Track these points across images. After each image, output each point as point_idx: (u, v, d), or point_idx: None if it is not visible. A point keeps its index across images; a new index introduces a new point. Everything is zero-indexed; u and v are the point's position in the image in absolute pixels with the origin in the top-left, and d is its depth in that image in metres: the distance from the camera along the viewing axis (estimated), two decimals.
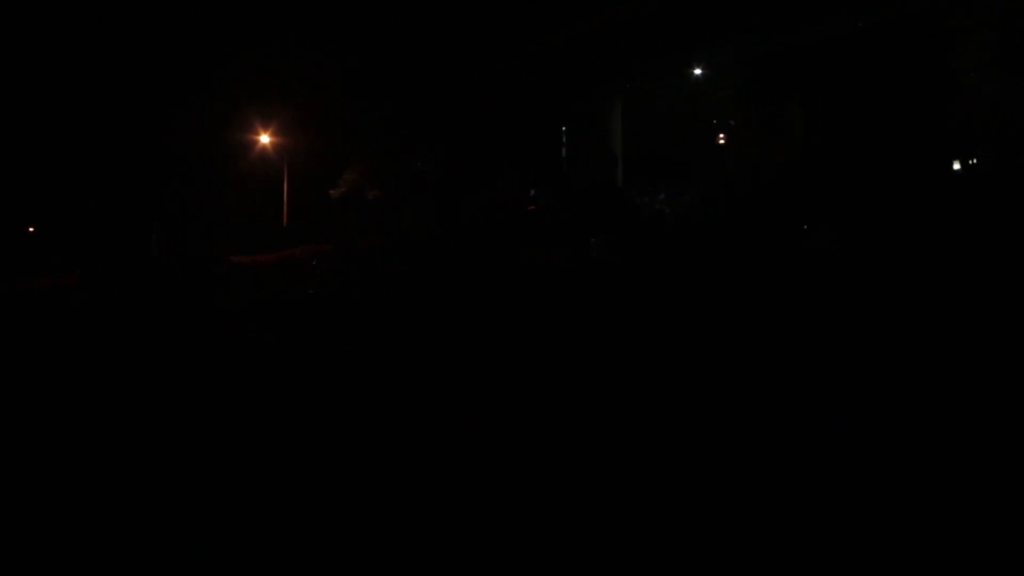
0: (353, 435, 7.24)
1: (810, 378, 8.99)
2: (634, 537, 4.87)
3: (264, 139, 36.18)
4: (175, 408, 8.40)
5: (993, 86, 27.66)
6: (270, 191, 36.44)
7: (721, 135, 36.36)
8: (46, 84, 31.52)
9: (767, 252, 23.16)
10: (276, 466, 6.30)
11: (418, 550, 4.80)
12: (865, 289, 16.34)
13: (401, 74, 34.55)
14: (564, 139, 37.64)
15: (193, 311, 17.73)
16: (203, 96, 31.72)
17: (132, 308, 17.75)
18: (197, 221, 30.37)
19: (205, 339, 13.60)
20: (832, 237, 24.71)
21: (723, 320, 13.37)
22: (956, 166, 29.82)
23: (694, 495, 5.51)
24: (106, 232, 28.67)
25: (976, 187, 27.80)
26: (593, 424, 7.40)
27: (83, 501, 5.66)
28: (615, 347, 11.34)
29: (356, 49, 34.34)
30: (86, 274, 18.95)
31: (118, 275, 20.60)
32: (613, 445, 6.73)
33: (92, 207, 29.40)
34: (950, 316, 12.59)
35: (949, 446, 6.45)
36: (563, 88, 35.53)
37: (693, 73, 35.79)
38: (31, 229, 32.76)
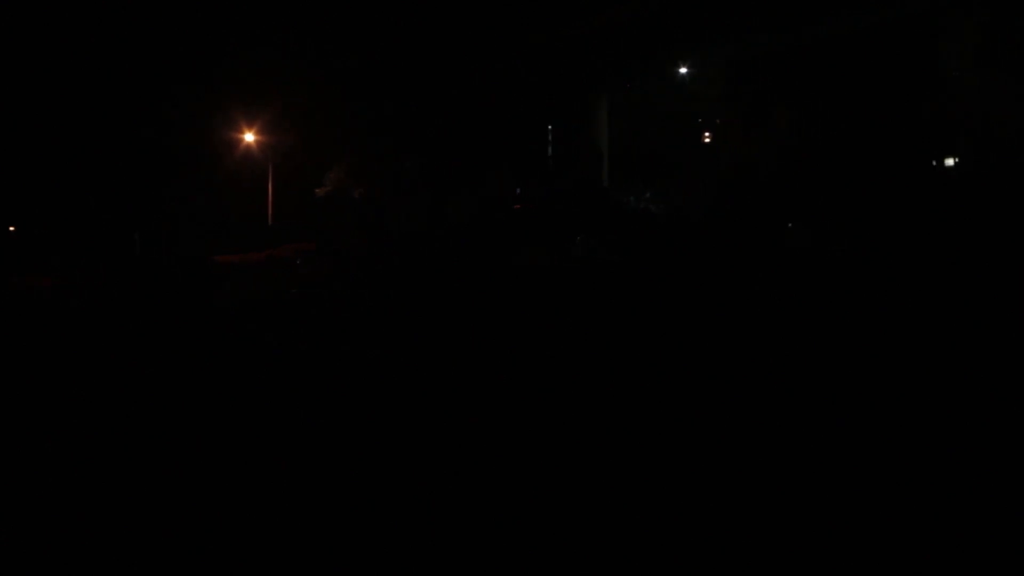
0: (336, 433, 7.23)
1: (798, 378, 9.04)
2: (618, 536, 4.89)
3: (249, 138, 35.94)
4: (156, 407, 8.36)
5: (976, 86, 27.87)
6: (256, 190, 36.21)
7: (707, 134, 36.46)
8: (36, 85, 31.27)
9: (753, 252, 23.25)
10: (268, 463, 6.30)
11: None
12: (846, 289, 16.43)
13: (388, 73, 34.43)
14: (551, 138, 37.61)
15: (178, 310, 17.63)
16: (190, 96, 31.49)
17: (118, 308, 17.67)
18: (182, 221, 30.16)
19: (189, 338, 13.53)
20: (816, 237, 24.86)
21: (709, 321, 13.41)
22: (942, 164, 30.02)
23: (681, 492, 5.53)
24: (94, 232, 28.48)
25: (960, 186, 28.02)
26: (583, 420, 7.41)
27: (79, 499, 5.64)
28: (598, 348, 11.36)
29: (343, 48, 34.20)
30: (80, 274, 18.86)
31: (104, 275, 20.50)
32: (603, 443, 6.75)
33: (90, 207, 29.08)
34: (935, 316, 12.68)
35: (932, 442, 6.51)
36: (550, 87, 35.52)
37: (680, 73, 35.87)
38: (23, 228, 32.37)
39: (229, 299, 19.37)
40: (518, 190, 33.27)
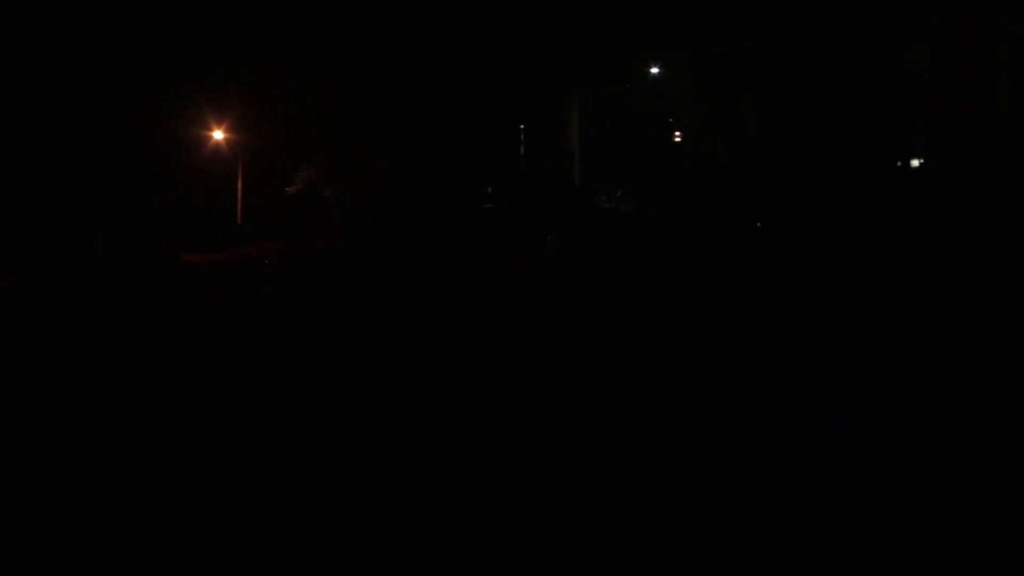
0: (304, 434, 7.14)
1: (768, 375, 9.08)
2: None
3: (218, 135, 35.51)
4: (118, 409, 8.20)
5: (940, 88, 28.31)
6: (225, 188, 35.77)
7: (678, 133, 36.68)
8: None
9: (721, 251, 23.43)
10: (237, 464, 6.19)
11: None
12: (813, 288, 16.60)
13: (360, 72, 34.18)
14: (523, 137, 37.61)
15: (141, 310, 17.33)
16: (156, 92, 30.97)
17: (78, 307, 17.33)
18: (148, 219, 29.65)
19: (151, 338, 13.30)
20: (783, 236, 25.11)
21: (678, 320, 13.46)
22: (908, 165, 30.44)
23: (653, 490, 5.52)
24: (54, 230, 27.86)
25: (926, 186, 28.44)
26: (556, 419, 7.39)
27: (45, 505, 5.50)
28: (567, 347, 11.34)
29: (314, 47, 33.89)
30: (39, 273, 18.45)
31: (64, 274, 20.10)
32: (574, 442, 6.72)
33: (50, 204, 28.36)
34: (903, 313, 12.83)
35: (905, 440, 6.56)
36: (522, 87, 35.52)
37: (651, 73, 36.05)
38: None
39: (194, 298, 19.09)
40: (489, 189, 33.23)
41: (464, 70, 34.09)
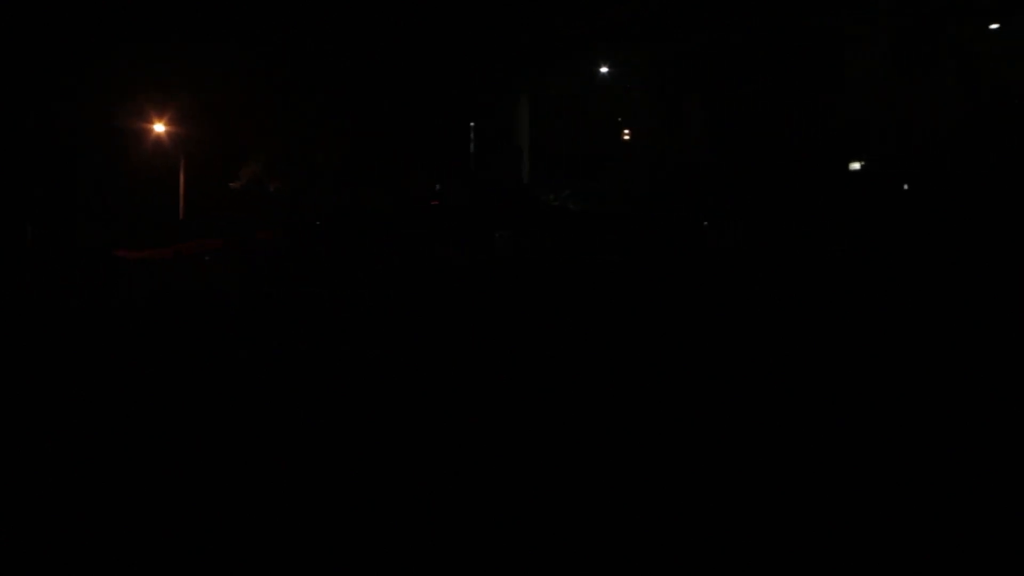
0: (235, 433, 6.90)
1: (706, 371, 9.07)
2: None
3: (159, 128, 34.57)
4: (42, 410, 7.85)
5: (885, 90, 28.93)
6: (167, 183, 34.85)
7: (626, 132, 36.88)
8: None
9: (668, 250, 23.58)
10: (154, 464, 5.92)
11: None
12: (755, 287, 16.77)
13: (306, 67, 33.60)
14: (472, 135, 37.42)
15: (72, 307, 16.73)
16: (90, 83, 29.97)
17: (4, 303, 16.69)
18: (83, 213, 28.71)
19: (81, 336, 12.83)
20: (731, 235, 25.38)
21: (622, 318, 13.44)
22: (849, 165, 31.06)
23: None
24: None
25: (868, 186, 29.05)
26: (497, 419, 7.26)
27: None
28: (507, 349, 11.21)
29: (259, 39, 33.19)
30: None
31: None
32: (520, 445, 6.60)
33: None
34: (840, 310, 12.98)
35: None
36: (472, 86, 35.34)
37: (600, 72, 36.16)
38: None
39: (130, 296, 18.53)
40: (437, 187, 32.98)
41: (413, 67, 33.78)
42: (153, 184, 34.23)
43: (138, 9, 32.22)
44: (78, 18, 30.25)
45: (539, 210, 29.33)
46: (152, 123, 34.35)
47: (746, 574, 4.43)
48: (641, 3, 31.15)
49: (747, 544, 4.73)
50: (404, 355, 10.56)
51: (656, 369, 9.37)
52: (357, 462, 6.22)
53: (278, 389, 8.74)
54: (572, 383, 8.70)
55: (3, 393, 8.77)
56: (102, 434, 7.14)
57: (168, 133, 34.81)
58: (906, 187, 28.35)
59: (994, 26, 28.10)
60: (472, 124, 36.99)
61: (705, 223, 27.98)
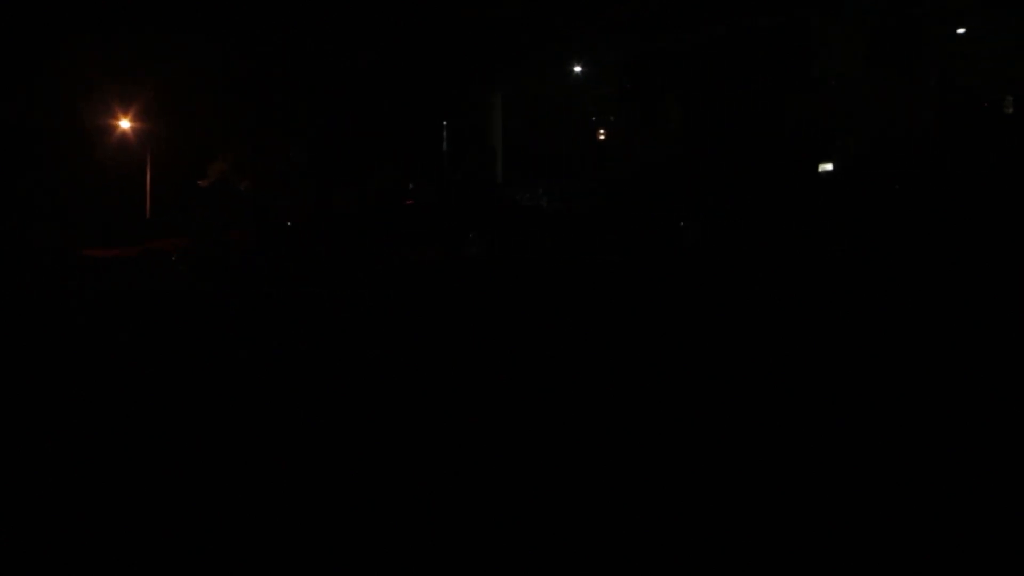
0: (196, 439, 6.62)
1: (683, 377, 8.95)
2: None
3: (125, 124, 33.84)
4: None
5: (857, 91, 29.18)
6: (133, 181, 34.15)
7: (602, 131, 36.85)
8: None
9: (645, 249, 23.56)
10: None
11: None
12: (731, 285, 16.76)
13: (278, 62, 33.12)
14: (445, 133, 37.17)
15: (32, 308, 16.25)
16: (49, 76, 29.20)
17: None
18: (45, 211, 28.01)
19: (42, 336, 12.42)
20: (705, 235, 25.42)
21: (594, 319, 13.31)
22: (819, 166, 31.29)
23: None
24: None
25: (839, 185, 29.28)
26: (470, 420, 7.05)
27: None
28: (475, 349, 11.02)
29: (228, 34, 32.64)
30: None
31: None
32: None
33: None
34: (815, 314, 12.96)
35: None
36: (445, 84, 35.10)
37: (575, 71, 36.09)
38: None
39: (94, 295, 18.08)
40: (410, 185, 32.68)
41: (386, 66, 33.46)
42: (119, 182, 33.56)
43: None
44: (40, 9, 29.47)
45: (513, 209, 29.15)
46: (118, 119, 33.65)
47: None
48: (619, 4, 31.18)
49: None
50: (381, 355, 10.33)
51: (640, 368, 9.24)
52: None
53: (250, 389, 8.48)
54: (552, 383, 8.52)
55: None
56: (75, 434, 6.90)
57: (134, 129, 34.12)
58: (878, 188, 28.61)
59: (961, 30, 28.43)
60: (445, 123, 36.74)
61: (681, 223, 28.01)
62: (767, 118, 30.29)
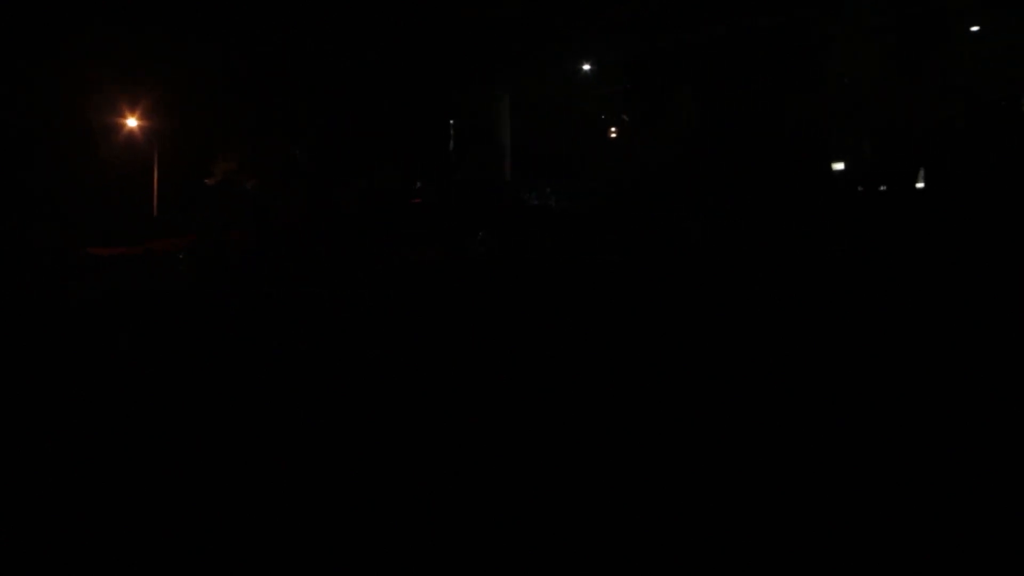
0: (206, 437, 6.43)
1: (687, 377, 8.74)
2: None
3: (132, 123, 33.81)
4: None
5: (870, 91, 28.89)
6: (139, 179, 34.12)
7: (613, 130, 36.64)
8: None
9: (653, 249, 23.38)
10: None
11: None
12: (738, 286, 16.55)
13: (275, 60, 33.04)
14: (452, 132, 37.02)
15: (38, 307, 16.14)
16: (57, 75, 29.14)
17: None
18: (50, 210, 27.93)
19: (43, 335, 12.29)
20: (712, 235, 25.19)
21: (602, 318, 13.13)
22: (830, 164, 31.03)
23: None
24: None
25: (852, 186, 29.05)
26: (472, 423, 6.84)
27: None
28: (481, 351, 10.81)
29: (235, 34, 32.59)
30: None
31: None
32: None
33: None
34: (821, 315, 12.73)
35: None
36: (451, 81, 34.97)
37: (583, 70, 35.91)
38: None
39: (97, 294, 17.96)
40: (418, 184, 32.52)
41: (394, 66, 33.35)
42: (125, 180, 33.53)
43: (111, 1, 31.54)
44: (41, 8, 29.42)
45: (521, 209, 28.95)
46: (125, 117, 33.63)
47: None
48: (619, 4, 31.03)
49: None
50: (387, 355, 10.16)
51: (644, 367, 9.04)
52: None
53: (250, 389, 8.33)
54: (559, 383, 8.33)
55: None
56: (77, 434, 6.83)
57: (141, 128, 34.10)
58: (888, 188, 28.34)
59: (974, 28, 28.08)
60: (453, 122, 36.61)
61: (688, 221, 27.79)
62: (774, 117, 30.02)
